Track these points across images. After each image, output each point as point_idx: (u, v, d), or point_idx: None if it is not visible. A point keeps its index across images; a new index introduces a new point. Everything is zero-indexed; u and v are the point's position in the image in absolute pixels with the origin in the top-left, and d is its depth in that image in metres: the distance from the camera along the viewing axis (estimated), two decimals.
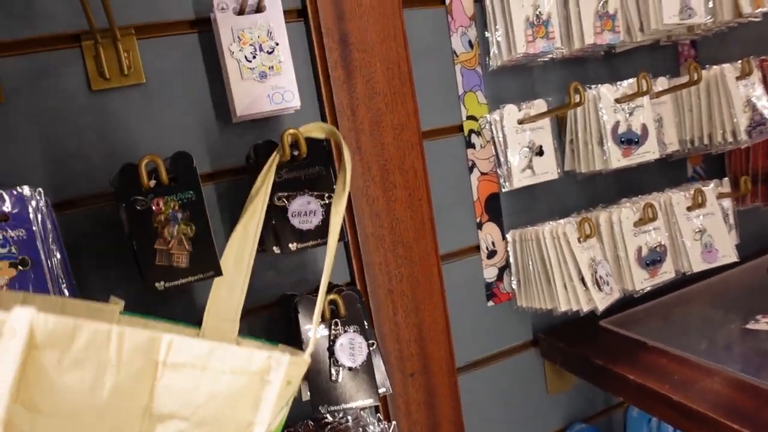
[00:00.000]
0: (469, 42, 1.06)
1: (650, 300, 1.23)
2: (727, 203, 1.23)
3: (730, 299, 1.23)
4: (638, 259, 1.08)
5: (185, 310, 0.89)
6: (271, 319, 0.94)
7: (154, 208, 0.72)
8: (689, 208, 1.14)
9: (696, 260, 1.13)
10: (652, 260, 1.09)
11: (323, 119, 0.94)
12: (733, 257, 1.16)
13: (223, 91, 0.89)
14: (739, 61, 1.16)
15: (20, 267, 0.71)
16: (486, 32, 1.06)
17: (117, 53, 0.83)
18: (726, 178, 1.25)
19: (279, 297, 0.94)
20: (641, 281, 1.09)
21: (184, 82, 0.87)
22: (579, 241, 1.01)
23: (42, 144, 0.82)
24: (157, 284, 0.72)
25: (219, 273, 0.74)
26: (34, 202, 0.73)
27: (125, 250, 0.84)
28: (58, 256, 0.75)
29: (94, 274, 0.85)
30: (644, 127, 1.09)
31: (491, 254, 1.11)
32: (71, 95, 0.83)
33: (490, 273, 1.12)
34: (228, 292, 0.76)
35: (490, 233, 1.11)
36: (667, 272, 1.12)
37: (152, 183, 0.73)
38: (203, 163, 0.89)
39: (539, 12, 1.01)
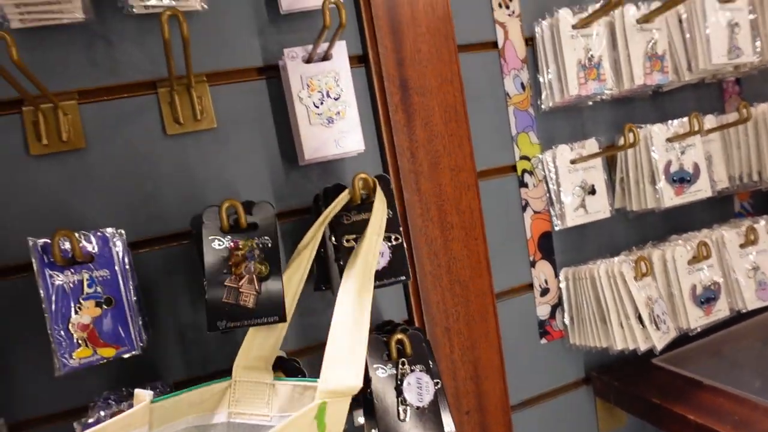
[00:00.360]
0: (522, 84, 1.08)
1: (702, 337, 1.23)
2: None
3: None
4: (693, 297, 1.08)
5: None
6: None
7: (231, 245, 0.75)
8: (742, 246, 1.14)
9: (750, 298, 1.13)
10: (706, 298, 1.09)
11: (384, 161, 0.97)
12: None
13: (289, 134, 0.92)
14: None
15: (104, 306, 0.73)
16: (537, 74, 1.09)
17: (190, 99, 0.87)
18: None
19: None
20: (696, 319, 1.09)
21: (253, 126, 0.91)
22: (635, 280, 1.02)
23: (119, 185, 0.85)
24: (219, 323, 0.73)
25: (283, 319, 0.75)
26: (116, 243, 0.76)
27: (195, 288, 0.87)
28: (134, 293, 0.78)
29: (164, 311, 0.87)
30: (696, 166, 1.10)
31: (544, 292, 1.12)
32: (147, 139, 0.86)
33: (543, 311, 1.12)
34: (267, 334, 0.78)
35: (543, 271, 1.12)
36: (721, 310, 1.11)
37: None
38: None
39: (591, 55, 1.04)
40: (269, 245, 0.76)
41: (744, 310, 1.14)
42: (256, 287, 0.75)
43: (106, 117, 0.85)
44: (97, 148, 0.84)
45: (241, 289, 0.75)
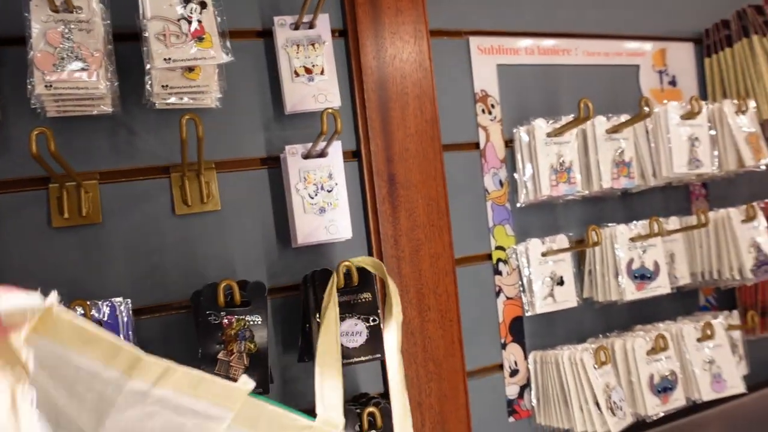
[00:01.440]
0: (500, 181, 1.19)
1: (663, 424, 1.29)
2: (737, 333, 1.31)
3: (741, 428, 1.29)
4: (650, 386, 1.16)
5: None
6: None
7: (225, 322, 0.84)
8: (699, 340, 1.23)
9: (706, 389, 1.21)
10: (663, 387, 1.17)
11: (369, 247, 1.07)
12: (740, 389, 1.23)
13: (284, 219, 1.02)
14: (745, 206, 1.27)
15: None
16: (515, 174, 1.20)
17: (199, 184, 0.98)
18: (735, 311, 1.34)
19: None
20: (653, 407, 1.16)
21: (252, 209, 1.01)
22: (595, 368, 1.10)
23: (128, 257, 0.95)
24: None
25: (267, 391, 0.84)
26: (122, 312, 0.85)
27: (189, 354, 0.95)
28: None
29: None
30: (656, 264, 1.20)
31: (513, 373, 1.20)
32: (157, 218, 0.97)
33: (512, 390, 1.20)
34: (329, 383, 0.85)
35: (513, 353, 1.20)
36: (678, 399, 1.19)
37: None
38: (262, 279, 1.01)
39: (562, 160, 1.15)
40: (259, 323, 0.85)
41: (700, 401, 1.22)
42: (245, 362, 0.84)
43: (122, 196, 0.95)
44: (111, 223, 0.94)
45: (231, 363, 0.84)
